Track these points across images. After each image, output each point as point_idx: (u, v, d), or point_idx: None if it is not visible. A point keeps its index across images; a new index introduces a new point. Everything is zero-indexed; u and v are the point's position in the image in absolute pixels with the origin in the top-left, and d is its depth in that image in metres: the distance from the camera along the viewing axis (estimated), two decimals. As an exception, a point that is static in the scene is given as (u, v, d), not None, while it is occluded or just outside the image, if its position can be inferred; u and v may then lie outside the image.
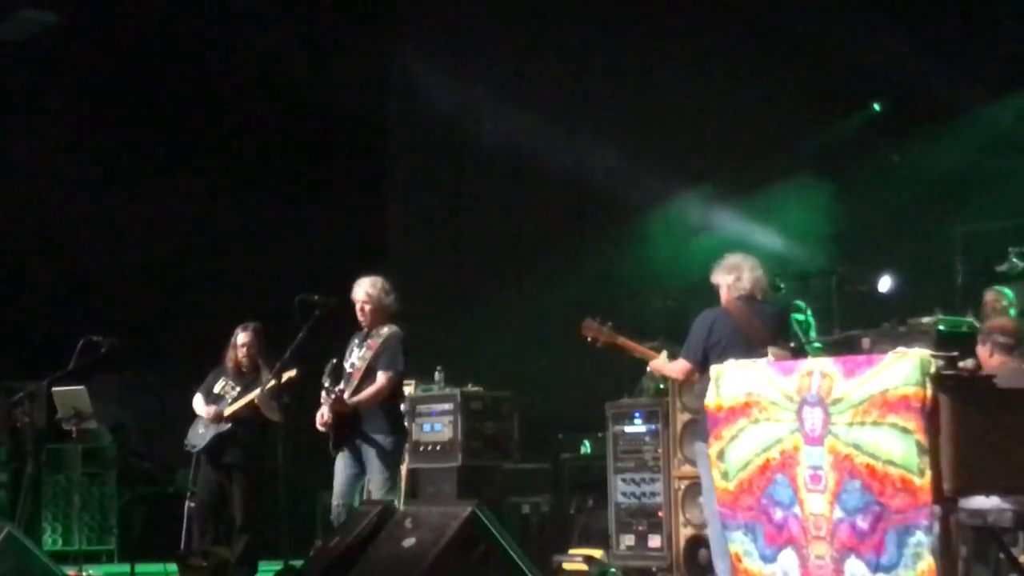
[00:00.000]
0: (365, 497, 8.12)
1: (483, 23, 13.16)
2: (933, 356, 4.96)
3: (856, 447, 5.05)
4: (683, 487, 9.07)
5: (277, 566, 8.27)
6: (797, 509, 5.30)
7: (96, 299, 12.21)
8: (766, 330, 6.89)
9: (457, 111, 13.18)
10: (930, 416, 4.86)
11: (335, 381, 8.02)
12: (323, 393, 7.97)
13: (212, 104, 13.13)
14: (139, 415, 12.75)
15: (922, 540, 4.86)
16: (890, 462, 4.93)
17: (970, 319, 8.20)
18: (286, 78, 12.85)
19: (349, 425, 7.96)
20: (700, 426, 6.72)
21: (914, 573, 4.89)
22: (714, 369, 5.78)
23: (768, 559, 5.44)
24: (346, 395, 7.95)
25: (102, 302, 12.13)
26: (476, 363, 11.06)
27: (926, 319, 8.10)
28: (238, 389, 8.77)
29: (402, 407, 8.84)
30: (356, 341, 8.18)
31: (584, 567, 9.27)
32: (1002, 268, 8.81)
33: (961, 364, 5.10)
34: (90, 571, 10.36)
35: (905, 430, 4.89)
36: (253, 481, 8.74)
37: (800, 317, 9.04)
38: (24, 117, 12.58)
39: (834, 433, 5.13)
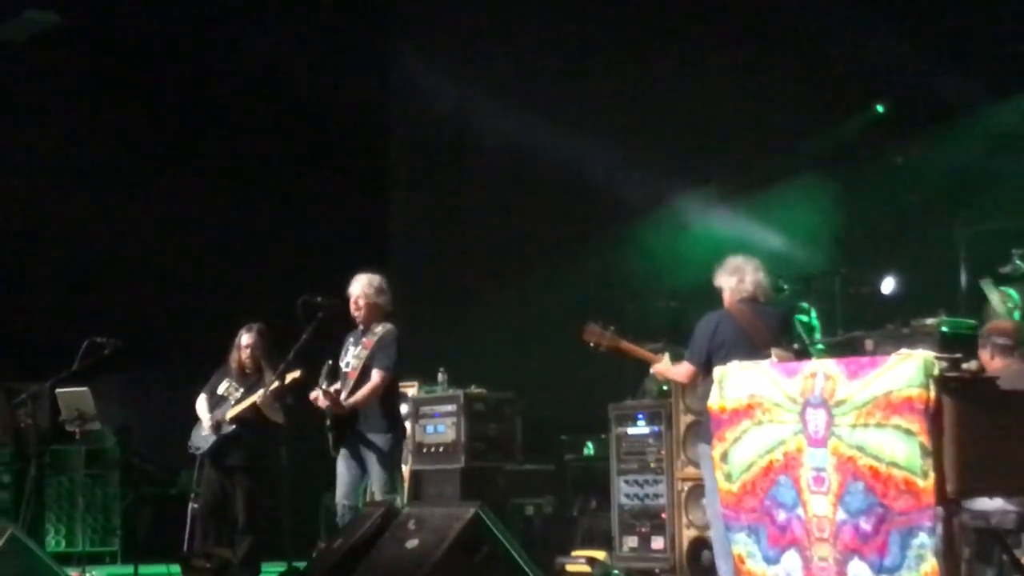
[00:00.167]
0: (368, 498, 8.13)
1: (483, 23, 13.13)
2: (937, 358, 4.96)
3: (859, 449, 5.05)
4: (686, 489, 9.07)
5: (280, 567, 8.29)
6: (800, 511, 5.30)
7: (99, 300, 12.19)
8: (769, 332, 6.89)
9: (458, 110, 13.17)
10: (934, 418, 4.86)
11: (331, 382, 8.03)
12: (319, 392, 7.96)
13: (212, 104, 13.12)
14: (143, 416, 12.77)
15: (925, 542, 4.86)
16: (893, 464, 4.93)
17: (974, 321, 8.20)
18: (286, 78, 12.85)
19: (348, 426, 7.97)
20: (703, 428, 6.72)
21: (917, 575, 4.89)
22: (717, 371, 5.79)
23: (771, 561, 5.45)
24: (342, 396, 7.96)
25: (105, 303, 12.10)
26: (479, 364, 11.05)
27: (930, 320, 8.10)
28: (241, 390, 8.75)
29: (401, 406, 8.84)
30: (351, 340, 8.19)
31: (587, 569, 9.29)
32: (1006, 270, 8.78)
33: (964, 366, 5.09)
34: (93, 572, 10.38)
35: (908, 432, 4.88)
36: (256, 482, 8.72)
37: (805, 319, 9.03)
38: (24, 117, 12.58)
39: (837, 435, 5.13)
